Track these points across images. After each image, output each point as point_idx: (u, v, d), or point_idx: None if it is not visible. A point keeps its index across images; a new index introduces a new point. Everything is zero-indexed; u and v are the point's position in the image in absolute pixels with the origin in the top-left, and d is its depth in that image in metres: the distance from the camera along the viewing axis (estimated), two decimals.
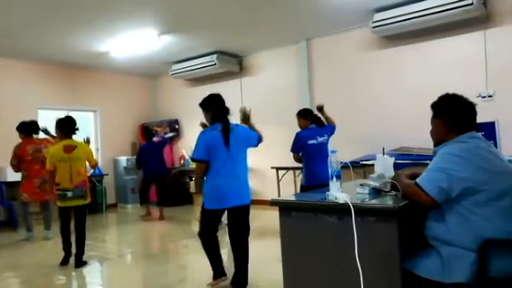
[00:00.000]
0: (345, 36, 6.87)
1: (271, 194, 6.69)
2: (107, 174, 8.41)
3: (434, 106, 2.07)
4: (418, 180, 1.88)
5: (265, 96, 7.88)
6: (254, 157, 8.21)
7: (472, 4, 5.11)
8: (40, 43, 6.71)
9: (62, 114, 8.19)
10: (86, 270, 4.36)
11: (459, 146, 1.88)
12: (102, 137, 8.82)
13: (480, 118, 2.12)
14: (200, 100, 3.55)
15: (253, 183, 8.24)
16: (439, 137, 2.03)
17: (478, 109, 2.00)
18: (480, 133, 2.03)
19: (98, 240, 5.87)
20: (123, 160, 8.69)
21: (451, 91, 2.07)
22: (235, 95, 8.38)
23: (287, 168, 6.92)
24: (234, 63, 8.18)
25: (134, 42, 6.78)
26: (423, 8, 5.48)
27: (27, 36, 6.30)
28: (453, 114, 1.97)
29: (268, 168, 7.35)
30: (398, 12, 5.68)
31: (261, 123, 8.00)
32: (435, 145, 2.06)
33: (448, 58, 5.89)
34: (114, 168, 8.91)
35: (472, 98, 2.06)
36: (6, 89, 7.32)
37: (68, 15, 5.51)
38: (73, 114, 8.49)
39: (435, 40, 5.99)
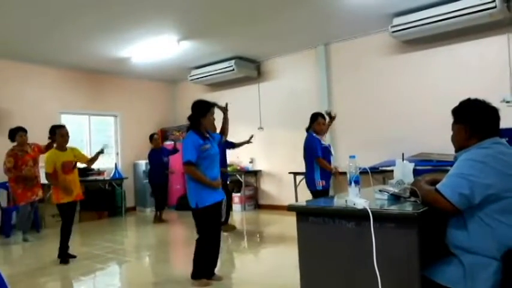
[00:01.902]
0: (364, 41, 6.82)
1: (288, 199, 6.67)
2: (127, 178, 8.53)
3: (455, 111, 2.03)
4: (438, 186, 1.84)
5: (283, 101, 7.88)
6: (271, 162, 8.24)
7: (495, 7, 5.00)
8: (62, 49, 6.89)
9: (83, 118, 8.49)
10: (105, 271, 4.44)
11: (481, 152, 1.84)
12: (123, 142, 8.97)
13: (505, 123, 2.07)
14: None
15: (270, 188, 8.28)
16: (461, 142, 1.98)
17: (502, 114, 1.95)
18: (504, 139, 1.98)
19: (116, 242, 5.96)
20: (142, 164, 8.80)
21: (473, 96, 2.02)
22: (253, 100, 8.42)
23: (304, 174, 6.88)
24: (252, 69, 8.22)
25: (154, 48, 6.90)
26: (444, 12, 5.39)
27: (49, 42, 6.48)
28: (475, 120, 1.92)
29: (286, 173, 7.33)
30: (418, 16, 5.60)
31: (278, 127, 8.06)
32: (456, 151, 2.02)
33: (471, 63, 5.77)
34: (134, 172, 9.04)
35: (496, 103, 2.01)
36: (29, 94, 7.52)
37: (90, 22, 5.65)
38: (94, 118, 8.72)
39: (457, 44, 5.89)
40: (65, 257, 4.66)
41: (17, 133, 5.73)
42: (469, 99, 2.00)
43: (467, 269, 1.74)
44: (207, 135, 3.59)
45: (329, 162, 4.68)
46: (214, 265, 3.73)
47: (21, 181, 5.72)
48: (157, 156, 7.33)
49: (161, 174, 7.33)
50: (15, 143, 5.75)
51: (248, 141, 5.92)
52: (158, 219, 7.27)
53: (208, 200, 3.44)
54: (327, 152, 4.68)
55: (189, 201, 3.50)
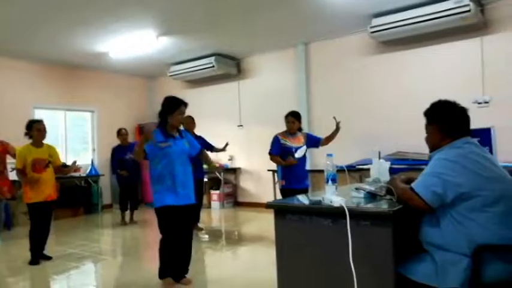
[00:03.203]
0: (343, 41, 6.90)
1: (267, 197, 6.70)
2: (103, 175, 8.38)
3: (428, 113, 2.08)
4: (412, 184, 1.89)
5: (263, 99, 7.89)
6: (250, 159, 8.25)
7: (469, 11, 5.15)
8: (38, 43, 6.70)
9: (59, 113, 8.28)
10: (79, 270, 4.35)
11: (454, 152, 1.89)
12: (99, 138, 8.79)
13: (476, 124, 2.13)
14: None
15: (249, 185, 8.29)
16: (434, 143, 2.03)
17: (474, 115, 2.02)
18: (476, 139, 2.04)
19: (92, 240, 5.85)
20: None
21: (447, 97, 2.08)
22: (233, 97, 8.40)
23: None
24: (232, 66, 8.20)
25: (133, 43, 6.78)
26: (421, 14, 5.51)
27: (25, 36, 6.28)
28: (447, 120, 1.98)
29: (265, 171, 7.34)
30: (396, 18, 5.71)
31: (258, 125, 8.05)
32: (431, 151, 2.07)
33: (445, 64, 5.92)
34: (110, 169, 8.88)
35: (468, 104, 2.07)
36: (2, 87, 7.29)
37: (68, 16, 5.51)
38: (70, 114, 8.52)
39: (433, 46, 6.02)
40: (36, 258, 4.41)
41: None
42: (440, 101, 2.06)
43: (440, 266, 1.78)
44: (174, 134, 3.43)
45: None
46: (184, 268, 3.54)
47: None
48: (122, 153, 6.80)
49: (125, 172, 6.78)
50: None
51: (224, 149, 5.92)
52: (123, 221, 6.87)
53: (165, 201, 3.30)
54: (287, 152, 4.50)
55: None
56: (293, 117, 4.56)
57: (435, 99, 2.10)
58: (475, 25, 5.50)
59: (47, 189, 4.43)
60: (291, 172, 4.50)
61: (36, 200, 4.37)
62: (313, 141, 4.76)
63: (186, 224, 3.52)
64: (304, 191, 4.53)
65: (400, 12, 5.70)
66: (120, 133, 6.96)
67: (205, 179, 8.13)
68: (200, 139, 5.61)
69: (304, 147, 4.58)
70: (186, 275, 3.56)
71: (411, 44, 6.17)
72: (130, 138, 7.54)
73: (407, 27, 5.69)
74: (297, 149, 4.52)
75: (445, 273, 1.76)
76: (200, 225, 6.11)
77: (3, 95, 7.28)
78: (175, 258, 3.50)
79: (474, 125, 2.02)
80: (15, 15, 5.44)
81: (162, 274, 3.46)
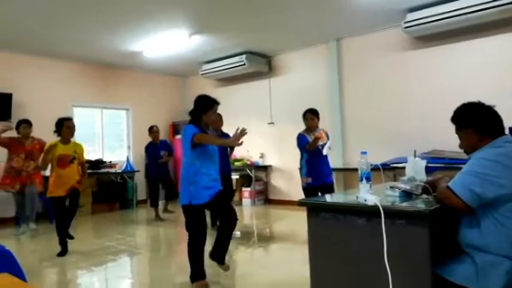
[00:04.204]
0: (376, 36, 6.76)
1: (298, 195, 6.66)
2: (138, 171, 8.61)
3: (457, 118, 2.01)
4: (450, 183, 1.84)
5: (294, 97, 7.86)
6: (281, 157, 8.25)
7: (510, 3, 4.93)
8: (75, 43, 6.96)
9: (95, 111, 8.58)
10: (116, 263, 4.50)
11: (495, 151, 1.83)
12: (134, 135, 9.05)
13: None
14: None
15: (280, 183, 8.29)
16: (472, 145, 1.96)
17: None
18: None
19: (128, 234, 6.04)
20: None
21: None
22: (264, 95, 8.42)
23: None
24: (263, 64, 8.21)
25: (166, 42, 6.94)
26: (457, 8, 5.32)
27: (63, 36, 6.55)
28: (482, 121, 1.92)
29: (296, 168, 7.31)
30: (432, 12, 5.54)
31: (289, 122, 8.05)
32: (468, 154, 2.00)
33: (484, 59, 5.68)
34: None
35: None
36: (42, 86, 7.64)
37: (103, 16, 5.70)
38: (106, 112, 8.81)
39: (470, 41, 5.80)
40: (64, 250, 4.68)
41: (20, 125, 5.92)
42: (464, 105, 2.00)
43: (480, 268, 1.74)
44: (207, 132, 3.42)
45: (316, 159, 4.54)
46: (223, 253, 3.49)
47: (8, 168, 5.89)
48: (155, 151, 6.95)
49: (158, 169, 6.95)
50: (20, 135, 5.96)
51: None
52: (157, 216, 6.99)
53: (200, 199, 3.23)
54: (315, 148, 4.51)
55: (181, 198, 3.30)
56: (312, 114, 4.62)
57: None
58: None
59: (67, 184, 4.61)
60: (316, 169, 4.53)
61: (57, 194, 4.58)
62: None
63: (227, 203, 3.43)
64: (329, 186, 4.59)
65: (435, 6, 5.53)
66: (152, 131, 7.08)
67: (237, 176, 8.24)
68: (227, 137, 5.69)
69: (329, 142, 4.62)
70: (224, 261, 3.53)
71: (448, 39, 5.97)
72: (162, 136, 7.71)
73: (443, 22, 5.50)
74: (323, 146, 4.53)
75: (486, 276, 1.71)
76: None
77: (45, 94, 7.63)
78: (217, 242, 3.45)
79: None
80: (53, 17, 5.69)
81: (194, 277, 3.37)
